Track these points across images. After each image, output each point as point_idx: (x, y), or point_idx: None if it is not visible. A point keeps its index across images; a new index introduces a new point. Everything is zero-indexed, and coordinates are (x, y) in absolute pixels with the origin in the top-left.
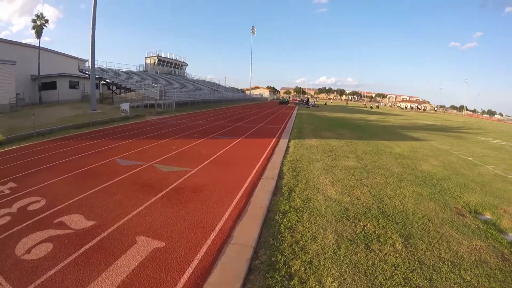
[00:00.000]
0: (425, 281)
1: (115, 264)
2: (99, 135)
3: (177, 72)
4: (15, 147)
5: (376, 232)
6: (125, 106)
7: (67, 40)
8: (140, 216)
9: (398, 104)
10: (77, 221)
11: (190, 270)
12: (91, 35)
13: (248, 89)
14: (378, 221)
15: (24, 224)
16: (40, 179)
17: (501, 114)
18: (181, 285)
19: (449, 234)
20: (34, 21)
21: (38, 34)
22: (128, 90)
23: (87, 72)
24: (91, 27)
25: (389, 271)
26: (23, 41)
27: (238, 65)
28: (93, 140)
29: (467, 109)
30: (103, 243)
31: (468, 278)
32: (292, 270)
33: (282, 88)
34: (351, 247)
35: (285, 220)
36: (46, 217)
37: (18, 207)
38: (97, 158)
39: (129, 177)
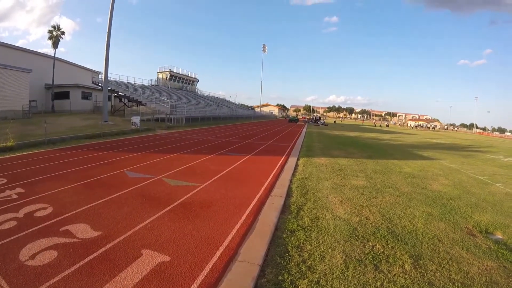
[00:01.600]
0: None
1: (119, 276)
2: (109, 146)
3: (188, 87)
4: (26, 153)
5: (385, 252)
6: (136, 119)
7: (82, 52)
8: (147, 229)
9: (408, 123)
10: (83, 231)
11: (195, 286)
12: (105, 49)
13: (258, 106)
14: (387, 241)
15: (30, 230)
16: (49, 187)
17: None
18: None
19: (459, 254)
20: (50, 32)
21: (54, 45)
22: (139, 103)
23: (100, 84)
24: (105, 40)
25: None
26: (39, 51)
27: (248, 82)
28: (103, 151)
29: (477, 127)
30: (108, 254)
31: None
32: None
33: (291, 106)
34: (359, 268)
35: (292, 238)
36: (52, 224)
37: (24, 213)
38: (106, 169)
39: (137, 189)
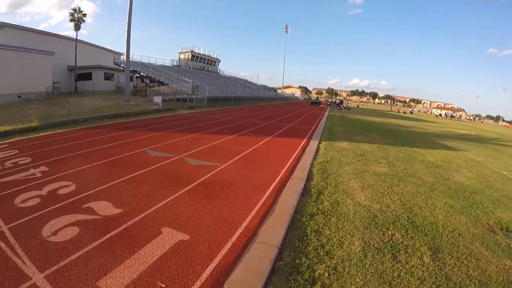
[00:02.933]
0: None
1: (138, 253)
2: (131, 126)
3: (210, 68)
4: (49, 133)
5: (404, 242)
6: (158, 99)
7: (103, 34)
8: (167, 208)
9: (432, 111)
10: (105, 208)
11: (213, 265)
12: (126, 30)
13: (280, 88)
14: (407, 231)
15: (53, 207)
16: (72, 165)
17: None
18: (203, 280)
19: (478, 251)
20: (72, 14)
21: (76, 27)
22: (161, 83)
23: (122, 65)
24: (127, 22)
25: (415, 284)
26: (61, 33)
27: (271, 64)
28: (126, 130)
29: (503, 120)
30: (129, 231)
31: None
32: (316, 275)
33: (314, 89)
34: (377, 256)
35: (312, 222)
36: (75, 201)
37: (48, 190)
38: (128, 148)
39: (159, 168)
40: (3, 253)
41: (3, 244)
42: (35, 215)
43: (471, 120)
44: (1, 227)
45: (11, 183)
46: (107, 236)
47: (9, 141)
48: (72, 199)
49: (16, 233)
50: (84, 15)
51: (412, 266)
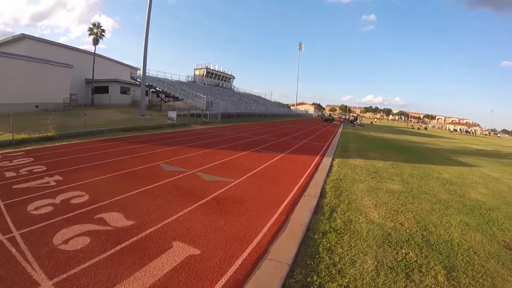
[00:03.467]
0: None
1: (148, 266)
2: (146, 140)
3: (224, 84)
4: (65, 143)
5: (418, 261)
6: (173, 114)
7: (121, 49)
8: (179, 222)
9: (447, 126)
10: (117, 219)
11: (223, 281)
12: (144, 45)
13: (293, 105)
14: (421, 249)
15: (65, 216)
16: (86, 175)
17: None
18: None
19: (494, 269)
20: (91, 29)
21: (95, 42)
22: (176, 99)
23: (138, 80)
24: (144, 37)
25: None
26: (80, 47)
27: (284, 80)
28: (140, 143)
29: None
30: (140, 243)
31: None
32: None
33: (327, 105)
34: (390, 275)
35: (324, 240)
36: (87, 212)
37: (61, 199)
38: (142, 161)
39: (172, 182)
40: (14, 258)
41: (14, 250)
42: (47, 222)
43: (486, 135)
44: (13, 232)
45: (25, 190)
46: (118, 248)
47: (25, 149)
48: (84, 209)
49: (28, 239)
50: (103, 30)
51: (426, 285)
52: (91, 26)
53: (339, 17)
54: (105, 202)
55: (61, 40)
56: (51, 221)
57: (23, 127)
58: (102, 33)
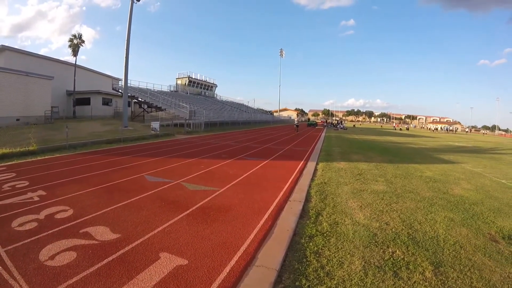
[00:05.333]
0: None
1: (136, 278)
2: (129, 151)
3: (206, 93)
4: (47, 157)
5: (405, 259)
6: (156, 125)
7: (102, 59)
8: (165, 233)
9: (428, 126)
10: (102, 233)
11: None
12: (125, 56)
13: (276, 111)
14: (407, 247)
15: (50, 231)
16: (69, 189)
17: None
18: None
19: (481, 261)
20: (71, 40)
21: (75, 53)
22: (159, 109)
23: (120, 91)
24: (125, 48)
25: None
26: (61, 58)
27: (267, 88)
28: (123, 155)
29: (499, 129)
30: (127, 256)
31: None
32: None
33: (310, 110)
34: (378, 274)
35: (311, 244)
36: (72, 226)
37: (45, 214)
38: (126, 173)
39: (156, 193)
40: (0, 275)
41: (0, 267)
42: (32, 238)
43: (467, 132)
44: None
45: (8, 206)
46: (105, 261)
47: (7, 164)
48: (69, 224)
49: (13, 256)
50: (83, 41)
51: (415, 282)
52: (72, 37)
53: (319, 23)
54: (90, 216)
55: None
56: (36, 237)
57: (4, 141)
58: (82, 43)
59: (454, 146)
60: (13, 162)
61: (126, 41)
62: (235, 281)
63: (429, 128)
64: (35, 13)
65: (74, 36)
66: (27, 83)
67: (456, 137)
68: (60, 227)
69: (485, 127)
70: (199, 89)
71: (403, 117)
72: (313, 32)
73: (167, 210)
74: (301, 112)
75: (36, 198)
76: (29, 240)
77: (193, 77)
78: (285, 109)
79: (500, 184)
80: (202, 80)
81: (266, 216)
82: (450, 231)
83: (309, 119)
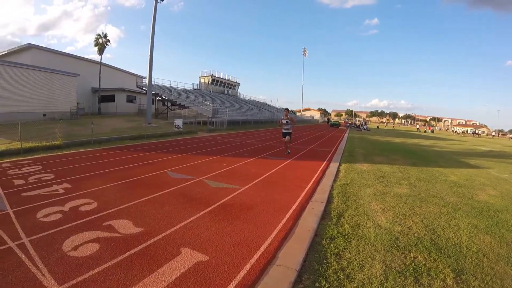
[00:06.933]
0: None
1: (157, 272)
2: (152, 148)
3: (229, 91)
4: (73, 151)
5: (427, 265)
6: (179, 122)
7: (126, 57)
8: (187, 228)
9: (453, 129)
10: (125, 226)
11: (231, 287)
12: (149, 54)
13: (299, 111)
14: (429, 253)
15: (74, 223)
16: (94, 183)
17: None
18: None
19: (504, 270)
20: (96, 39)
21: (100, 51)
22: (182, 106)
23: (144, 88)
24: (149, 46)
25: None
26: (87, 57)
27: (289, 87)
28: (147, 151)
29: None
30: (148, 250)
31: None
32: None
33: (333, 111)
34: (399, 279)
35: (332, 245)
36: (96, 219)
37: (70, 207)
38: (149, 169)
39: (179, 189)
40: (23, 264)
41: (24, 256)
42: (56, 229)
43: (493, 136)
44: (22, 239)
45: (34, 197)
46: (127, 254)
47: (33, 157)
48: (93, 217)
49: (37, 246)
50: (108, 40)
51: None
52: (97, 37)
53: (342, 22)
54: (114, 210)
55: (68, 50)
56: (60, 228)
57: (31, 135)
58: (107, 43)
59: (480, 150)
60: (39, 156)
61: (150, 40)
62: (255, 279)
63: (455, 131)
64: (61, 12)
65: (99, 35)
66: (53, 79)
67: (482, 140)
68: (84, 220)
69: None
70: (222, 88)
71: (428, 119)
72: (336, 31)
73: (189, 206)
74: (324, 112)
75: (61, 191)
76: (53, 230)
77: (216, 76)
78: (308, 109)
79: None
80: (225, 79)
81: (287, 215)
82: (473, 238)
83: (329, 119)
